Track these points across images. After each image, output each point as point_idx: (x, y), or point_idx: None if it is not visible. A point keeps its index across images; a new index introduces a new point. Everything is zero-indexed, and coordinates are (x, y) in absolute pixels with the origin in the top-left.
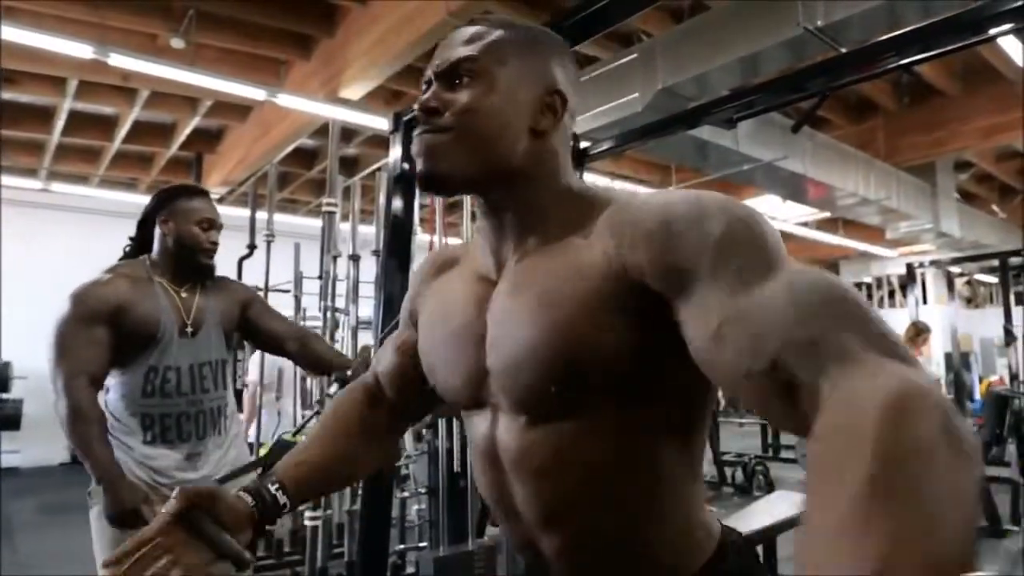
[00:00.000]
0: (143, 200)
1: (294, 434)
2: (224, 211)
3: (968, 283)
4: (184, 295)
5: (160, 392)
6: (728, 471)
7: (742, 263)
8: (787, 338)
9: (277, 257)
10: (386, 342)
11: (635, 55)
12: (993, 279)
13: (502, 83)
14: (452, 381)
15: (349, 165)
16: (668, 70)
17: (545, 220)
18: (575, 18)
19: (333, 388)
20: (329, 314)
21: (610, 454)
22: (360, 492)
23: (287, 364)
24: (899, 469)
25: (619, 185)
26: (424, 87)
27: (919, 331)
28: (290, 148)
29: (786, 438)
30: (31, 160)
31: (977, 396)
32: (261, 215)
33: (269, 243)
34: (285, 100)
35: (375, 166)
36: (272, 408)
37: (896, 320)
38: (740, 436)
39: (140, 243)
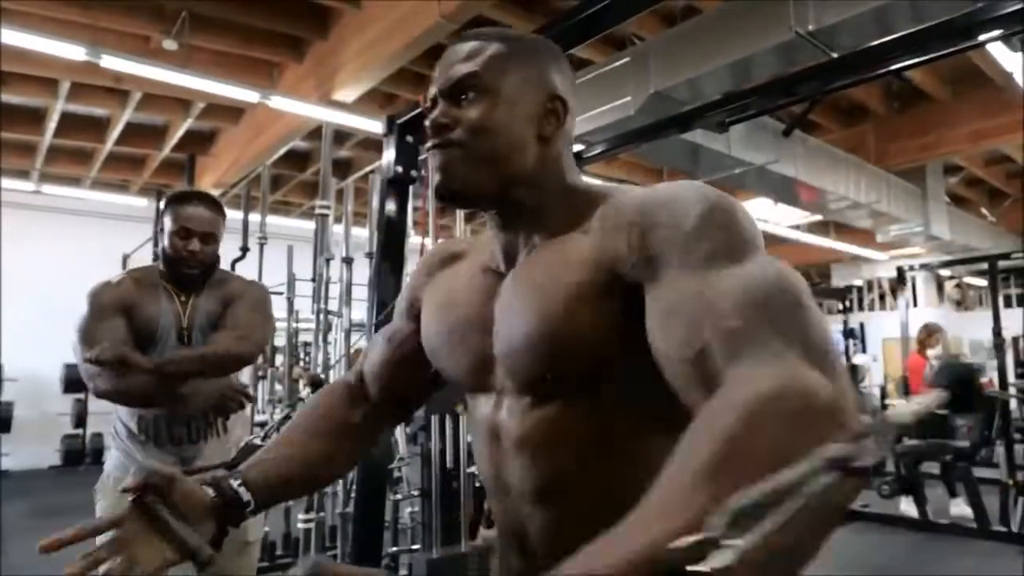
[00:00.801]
0: (135, 202)
1: (262, 438)
2: None
3: (958, 286)
4: (184, 299)
5: None
6: None
7: (712, 248)
8: (718, 326)
9: (270, 259)
10: (375, 336)
11: (627, 59)
12: (983, 282)
13: (506, 96)
14: (460, 365)
15: (342, 168)
16: (660, 74)
17: (551, 217)
18: (568, 22)
19: (306, 392)
20: (322, 316)
21: (604, 434)
22: (353, 494)
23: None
24: (729, 462)
25: None
26: (430, 105)
27: (930, 332)
28: (283, 150)
29: None
30: (23, 162)
31: None
32: (254, 217)
33: (262, 245)
34: (278, 102)
35: (368, 168)
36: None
37: (887, 323)
38: None
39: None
